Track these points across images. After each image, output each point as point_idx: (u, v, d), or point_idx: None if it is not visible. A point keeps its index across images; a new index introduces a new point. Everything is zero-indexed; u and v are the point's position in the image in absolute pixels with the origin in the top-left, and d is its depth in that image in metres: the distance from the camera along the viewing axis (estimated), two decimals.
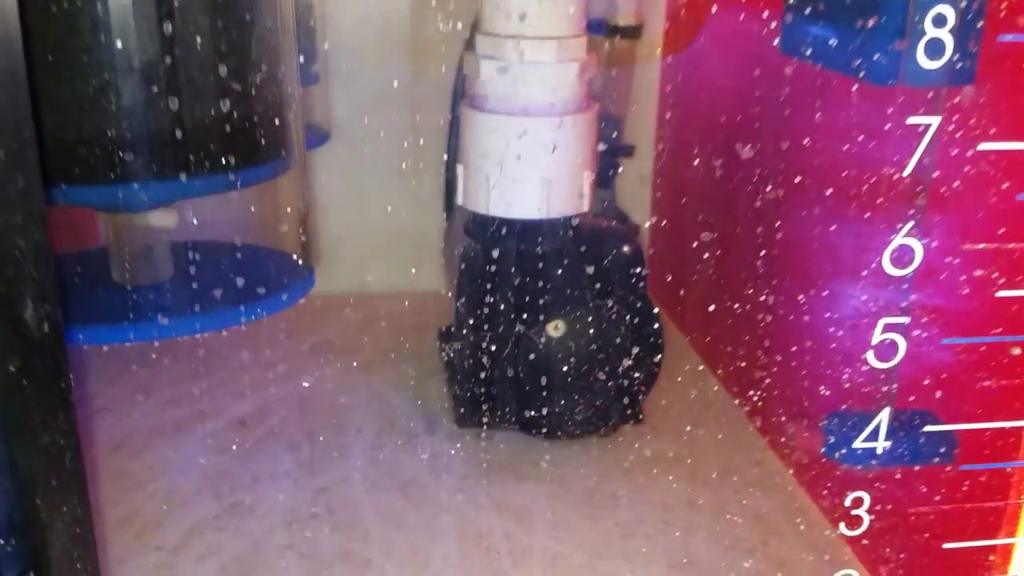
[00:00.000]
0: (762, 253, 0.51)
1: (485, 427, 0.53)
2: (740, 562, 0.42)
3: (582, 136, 0.48)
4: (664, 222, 0.72)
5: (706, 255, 0.60)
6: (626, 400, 0.52)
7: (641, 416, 0.54)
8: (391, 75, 0.63)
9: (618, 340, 0.51)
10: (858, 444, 0.30)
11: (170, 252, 0.35)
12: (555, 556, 0.43)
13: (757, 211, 0.50)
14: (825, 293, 0.39)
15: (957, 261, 0.30)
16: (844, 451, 0.32)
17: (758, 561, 0.42)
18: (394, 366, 0.60)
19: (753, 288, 0.51)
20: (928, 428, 0.31)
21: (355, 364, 0.60)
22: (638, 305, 0.51)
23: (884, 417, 0.30)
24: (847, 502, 0.32)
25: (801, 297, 0.42)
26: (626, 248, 0.52)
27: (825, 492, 0.42)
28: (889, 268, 0.28)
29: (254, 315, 0.35)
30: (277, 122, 0.34)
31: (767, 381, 0.48)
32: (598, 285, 0.50)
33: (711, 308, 0.58)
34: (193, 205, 0.38)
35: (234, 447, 0.51)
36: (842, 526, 0.33)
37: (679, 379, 0.58)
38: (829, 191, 0.38)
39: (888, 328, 0.29)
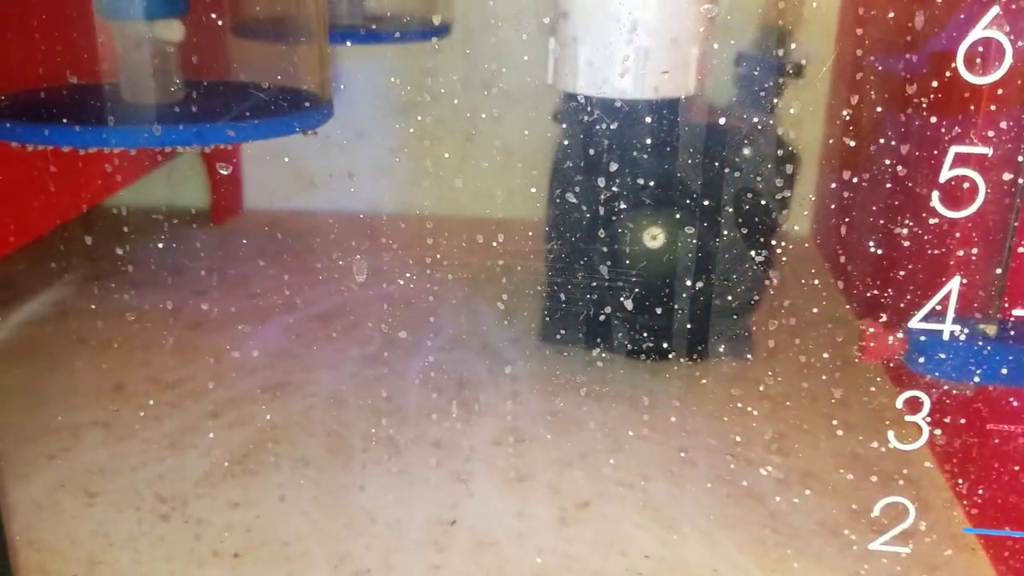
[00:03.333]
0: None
1: (567, 344, 0.47)
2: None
3: (682, 6, 0.41)
4: (834, 159, 0.63)
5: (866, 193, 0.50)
6: (720, 331, 0.45)
7: (750, 355, 0.46)
8: None
9: (714, 261, 0.43)
10: (916, 324, 0.22)
11: (178, 70, 0.33)
12: (575, 457, 0.37)
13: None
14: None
15: None
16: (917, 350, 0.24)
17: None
18: (502, 284, 0.56)
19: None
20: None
21: (450, 277, 0.56)
22: (744, 228, 0.44)
23: (953, 289, 0.22)
24: (898, 403, 0.23)
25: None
26: (741, 160, 0.44)
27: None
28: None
29: (268, 134, 0.32)
30: None
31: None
32: (705, 194, 0.43)
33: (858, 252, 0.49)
34: (218, 45, 0.36)
35: (308, 336, 0.49)
36: (892, 436, 0.25)
37: (814, 327, 0.50)
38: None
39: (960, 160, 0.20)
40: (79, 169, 0.46)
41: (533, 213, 0.48)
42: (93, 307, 0.52)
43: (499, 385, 0.44)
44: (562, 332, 0.48)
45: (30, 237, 0.43)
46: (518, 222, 0.52)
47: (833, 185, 0.57)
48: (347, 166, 0.65)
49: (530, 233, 0.48)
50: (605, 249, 0.45)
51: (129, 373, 0.44)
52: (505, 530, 0.33)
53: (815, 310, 0.48)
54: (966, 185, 0.22)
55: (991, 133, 0.22)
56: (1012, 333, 0.24)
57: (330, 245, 0.61)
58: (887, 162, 0.38)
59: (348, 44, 0.57)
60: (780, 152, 0.64)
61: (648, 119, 0.44)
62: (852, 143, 0.51)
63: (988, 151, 0.22)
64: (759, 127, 0.63)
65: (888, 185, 0.38)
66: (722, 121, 0.48)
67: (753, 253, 0.45)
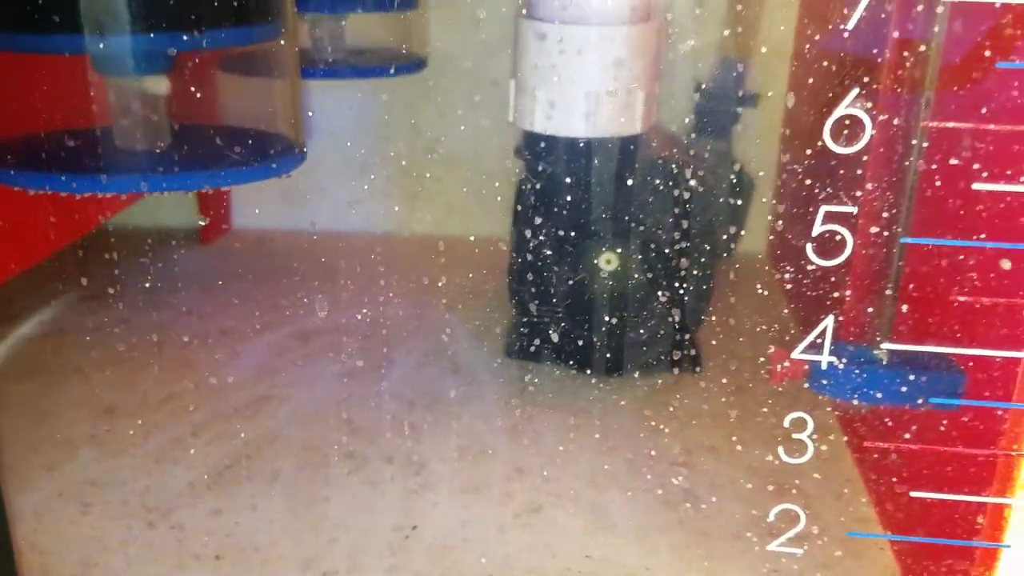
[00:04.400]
0: None
1: (532, 359, 0.51)
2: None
3: (636, 51, 0.45)
4: (786, 180, 0.66)
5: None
6: (670, 346, 0.48)
7: (699, 367, 0.50)
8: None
9: (664, 282, 0.47)
10: (797, 355, 0.26)
11: (166, 120, 0.37)
12: (547, 479, 0.41)
13: None
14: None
15: (924, 144, 0.25)
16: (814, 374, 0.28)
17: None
18: (467, 301, 0.59)
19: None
20: (891, 346, 0.26)
21: (432, 296, 0.60)
22: (692, 249, 0.47)
23: (828, 325, 0.26)
24: (785, 423, 0.27)
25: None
26: (692, 185, 0.48)
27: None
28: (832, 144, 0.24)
29: (245, 179, 0.35)
30: None
31: None
32: (655, 221, 0.47)
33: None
34: (192, 89, 0.39)
35: (288, 354, 0.52)
36: (781, 451, 0.29)
37: (761, 342, 0.53)
38: None
39: (830, 218, 0.24)
40: (76, 199, 0.49)
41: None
42: (89, 326, 0.55)
43: (464, 401, 0.48)
44: (527, 349, 0.51)
45: (32, 262, 0.47)
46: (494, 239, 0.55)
47: (779, 209, 0.60)
48: (331, 187, 0.69)
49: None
50: (564, 272, 0.49)
51: (121, 392, 0.48)
52: (458, 536, 0.37)
53: (760, 328, 0.52)
54: (838, 238, 0.26)
55: (857, 194, 0.26)
56: (884, 362, 0.28)
57: (316, 265, 0.65)
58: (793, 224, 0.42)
59: (327, 79, 0.60)
60: (734, 177, 0.68)
61: (604, 154, 0.47)
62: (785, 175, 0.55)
63: (853, 209, 0.25)
64: (715, 153, 0.67)
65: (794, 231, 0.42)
66: (677, 151, 0.52)
67: (704, 273, 0.49)
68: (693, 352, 0.50)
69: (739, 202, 0.63)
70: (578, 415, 0.47)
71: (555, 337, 0.50)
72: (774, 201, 0.66)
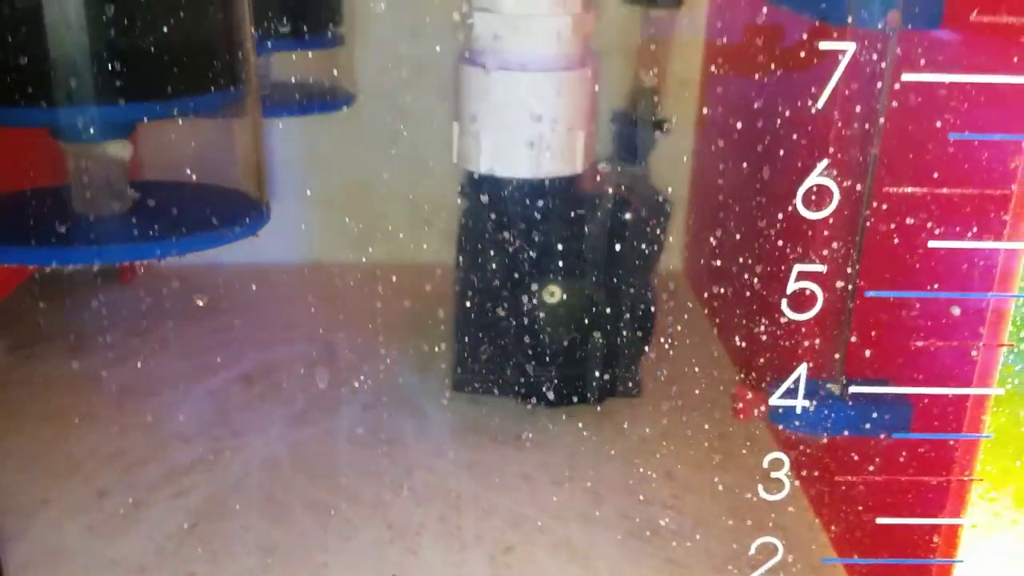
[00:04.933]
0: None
1: (479, 392, 0.52)
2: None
3: (575, 95, 0.47)
4: (699, 201, 0.70)
5: (729, 236, 0.57)
6: (614, 372, 0.50)
7: (638, 391, 0.52)
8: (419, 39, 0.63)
9: (607, 311, 0.49)
10: (775, 402, 0.28)
11: (127, 184, 0.36)
12: (516, 516, 0.42)
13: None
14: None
15: (884, 207, 0.27)
16: (778, 411, 0.30)
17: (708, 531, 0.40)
18: (410, 332, 0.60)
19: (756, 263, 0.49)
20: (856, 390, 0.28)
21: (374, 329, 0.60)
22: (629, 275, 0.50)
23: (802, 374, 0.28)
24: (764, 463, 0.30)
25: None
26: (625, 215, 0.50)
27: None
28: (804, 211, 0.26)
29: (207, 244, 0.35)
30: (225, 54, 0.34)
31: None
32: (590, 252, 0.49)
33: (725, 287, 0.56)
34: (152, 145, 0.39)
35: (234, 400, 0.52)
36: (760, 489, 0.31)
37: (693, 359, 0.56)
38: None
39: (803, 276, 0.27)
40: None
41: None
42: (18, 380, 0.53)
43: (420, 439, 0.49)
44: (473, 383, 0.53)
45: None
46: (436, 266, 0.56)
47: (697, 230, 0.64)
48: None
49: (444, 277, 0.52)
50: (509, 306, 0.50)
51: (67, 449, 0.47)
52: None
53: (689, 348, 0.55)
54: (808, 292, 0.28)
55: (825, 252, 0.28)
56: (850, 402, 0.31)
57: (243, 299, 0.64)
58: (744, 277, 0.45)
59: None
60: (653, 200, 0.71)
61: (545, 192, 0.49)
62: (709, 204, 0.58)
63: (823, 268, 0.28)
64: (634, 177, 0.69)
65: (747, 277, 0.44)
66: (608, 182, 0.54)
67: (637, 297, 0.51)
68: (636, 376, 0.52)
69: (662, 224, 0.66)
70: (533, 448, 0.48)
71: (502, 369, 0.52)
72: (689, 221, 0.69)
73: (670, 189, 0.67)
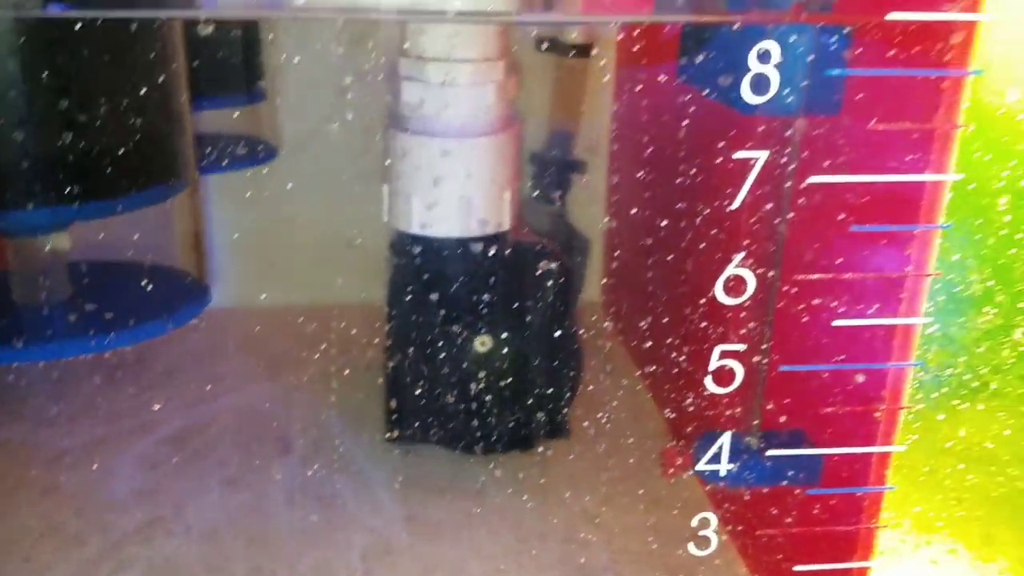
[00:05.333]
0: (681, 274, 0.51)
1: (413, 443, 0.54)
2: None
3: (501, 156, 0.49)
4: (615, 239, 0.73)
5: (643, 274, 0.60)
6: (545, 417, 0.53)
7: (567, 433, 0.54)
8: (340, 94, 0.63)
9: (537, 358, 0.51)
10: (702, 467, 0.31)
11: (66, 274, 0.36)
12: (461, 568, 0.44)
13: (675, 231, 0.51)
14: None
15: (794, 291, 0.30)
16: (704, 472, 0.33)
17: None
18: (337, 381, 0.61)
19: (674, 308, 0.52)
20: (772, 452, 0.31)
21: (300, 378, 0.60)
22: (558, 322, 0.52)
23: (725, 441, 0.31)
24: (694, 522, 0.32)
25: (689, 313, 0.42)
26: (551, 265, 0.53)
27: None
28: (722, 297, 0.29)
29: (148, 334, 0.36)
30: (167, 147, 0.35)
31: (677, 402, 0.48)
32: (520, 303, 0.51)
33: (645, 327, 0.59)
34: (92, 226, 0.39)
35: (165, 463, 0.52)
36: (691, 546, 0.34)
37: (617, 399, 0.59)
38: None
39: (725, 355, 0.29)
40: None
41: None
42: None
43: (357, 495, 0.50)
44: (406, 433, 0.54)
45: None
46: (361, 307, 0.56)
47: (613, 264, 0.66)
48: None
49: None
50: (441, 357, 0.52)
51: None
52: None
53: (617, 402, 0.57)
54: (728, 369, 0.31)
55: (743, 331, 0.31)
56: (768, 462, 0.34)
57: (157, 351, 0.63)
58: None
59: None
60: (573, 240, 0.73)
61: (470, 249, 0.51)
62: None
63: (743, 347, 0.30)
64: (553, 216, 0.72)
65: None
66: (527, 229, 0.56)
67: (572, 338, 0.53)
68: (565, 419, 0.55)
69: (581, 264, 0.69)
70: (473, 497, 0.50)
71: (434, 419, 0.53)
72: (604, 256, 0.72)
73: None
